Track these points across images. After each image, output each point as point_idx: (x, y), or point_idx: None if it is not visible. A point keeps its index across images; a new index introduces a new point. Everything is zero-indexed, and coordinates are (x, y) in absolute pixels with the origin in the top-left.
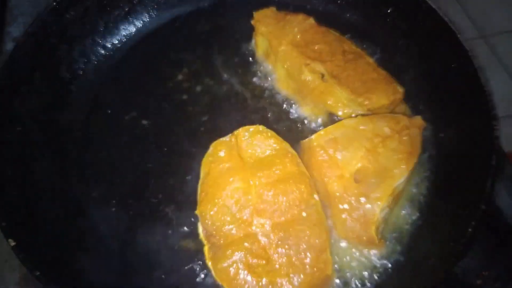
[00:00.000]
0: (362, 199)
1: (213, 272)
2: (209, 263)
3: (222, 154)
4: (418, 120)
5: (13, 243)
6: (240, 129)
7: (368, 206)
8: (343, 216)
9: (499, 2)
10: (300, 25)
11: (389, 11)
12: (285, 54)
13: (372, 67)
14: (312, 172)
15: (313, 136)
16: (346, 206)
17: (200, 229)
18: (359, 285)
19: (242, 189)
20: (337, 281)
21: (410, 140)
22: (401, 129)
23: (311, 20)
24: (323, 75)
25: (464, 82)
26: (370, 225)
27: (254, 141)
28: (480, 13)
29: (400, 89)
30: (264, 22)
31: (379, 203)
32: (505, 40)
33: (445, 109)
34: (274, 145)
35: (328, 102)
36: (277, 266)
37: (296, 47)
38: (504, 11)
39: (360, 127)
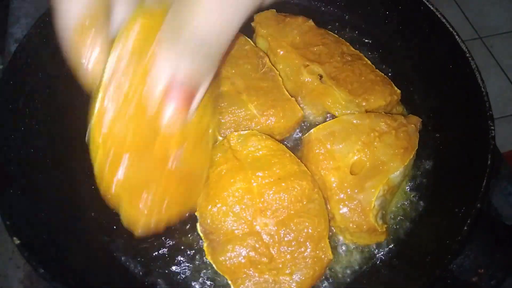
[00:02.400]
0: (358, 190)
1: (214, 265)
2: (209, 257)
3: (217, 158)
4: (413, 117)
5: (17, 242)
6: (232, 133)
7: (364, 195)
8: (341, 207)
9: (496, 4)
10: (300, 27)
11: (387, 12)
12: (284, 56)
13: (370, 69)
14: (311, 166)
15: (312, 130)
16: (343, 196)
17: (199, 229)
18: (355, 282)
19: (243, 189)
20: (329, 279)
21: (407, 136)
22: (398, 126)
23: (310, 23)
24: (321, 77)
25: (461, 83)
26: (368, 213)
27: (249, 143)
28: (477, 14)
29: (397, 91)
30: (264, 24)
31: (373, 190)
32: (502, 41)
33: (441, 109)
34: (271, 146)
35: (327, 103)
36: (280, 265)
37: (295, 49)
38: (501, 12)
39: (358, 122)
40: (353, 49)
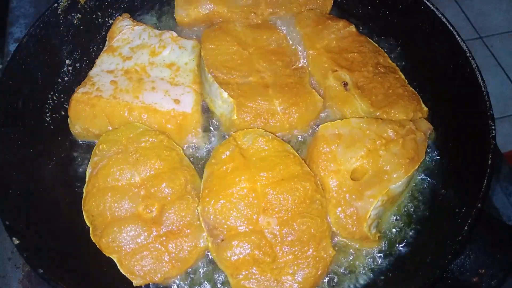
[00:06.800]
0: (356, 196)
1: (217, 261)
2: (214, 255)
3: (224, 156)
4: (424, 123)
5: (16, 242)
6: (238, 132)
7: (362, 203)
8: (337, 211)
9: (496, 3)
10: (339, 31)
11: (387, 12)
12: (314, 57)
13: (401, 83)
14: (313, 165)
15: (319, 127)
16: (340, 201)
17: (202, 224)
18: (356, 281)
19: (248, 188)
20: (335, 278)
21: (415, 145)
22: (406, 134)
23: (352, 28)
24: (346, 84)
25: (461, 83)
26: (362, 222)
27: (256, 143)
28: (478, 14)
29: (424, 108)
30: (303, 23)
31: (371, 200)
32: (502, 41)
33: (442, 109)
34: (277, 147)
35: (346, 112)
36: (282, 265)
37: (328, 53)
38: (502, 12)
39: (365, 127)
40: (390, 61)
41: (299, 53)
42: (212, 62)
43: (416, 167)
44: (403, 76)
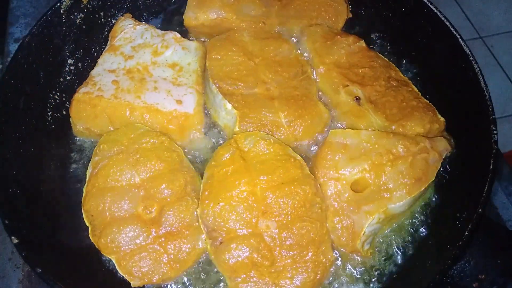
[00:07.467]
0: (354, 208)
1: (216, 264)
2: (212, 257)
3: (224, 159)
4: (442, 143)
5: (16, 241)
6: (240, 134)
7: (358, 217)
8: (335, 220)
9: (496, 3)
10: (349, 47)
11: (390, 15)
12: (324, 74)
13: (414, 95)
14: (315, 170)
15: (330, 131)
16: (338, 210)
17: (201, 226)
18: (355, 286)
19: (247, 191)
20: (334, 282)
21: (425, 165)
22: (418, 152)
23: (362, 43)
24: (358, 99)
25: (463, 86)
26: (356, 239)
27: (257, 146)
28: (478, 14)
29: (440, 119)
30: (312, 38)
31: (368, 216)
32: (502, 41)
33: (443, 112)
34: (278, 151)
35: (360, 127)
36: (281, 268)
37: (338, 68)
38: (502, 12)
39: (375, 140)
40: (402, 75)
41: (304, 62)
42: (217, 72)
43: (422, 189)
44: (416, 89)
